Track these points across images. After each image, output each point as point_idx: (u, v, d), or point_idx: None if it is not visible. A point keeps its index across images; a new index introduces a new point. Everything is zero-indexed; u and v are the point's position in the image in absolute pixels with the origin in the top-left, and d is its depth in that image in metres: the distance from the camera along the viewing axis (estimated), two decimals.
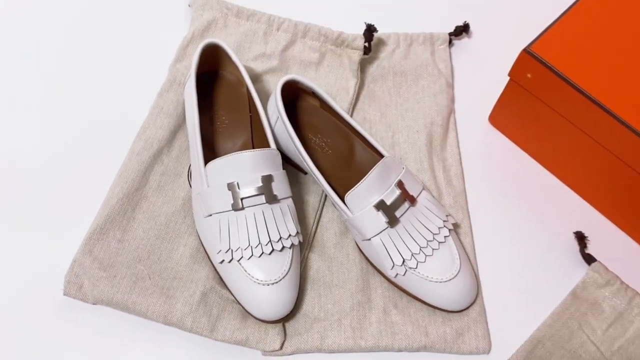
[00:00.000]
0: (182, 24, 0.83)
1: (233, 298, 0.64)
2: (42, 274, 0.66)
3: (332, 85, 0.79)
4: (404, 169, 0.65)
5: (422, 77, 0.80)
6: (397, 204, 0.62)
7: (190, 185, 0.69)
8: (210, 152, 0.70)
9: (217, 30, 0.81)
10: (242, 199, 0.60)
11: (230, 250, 0.60)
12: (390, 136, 0.76)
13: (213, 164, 0.62)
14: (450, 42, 0.83)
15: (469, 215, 0.72)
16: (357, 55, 0.79)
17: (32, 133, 0.74)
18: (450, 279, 0.62)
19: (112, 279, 0.63)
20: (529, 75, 0.67)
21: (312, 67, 0.80)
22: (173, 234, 0.67)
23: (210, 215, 0.62)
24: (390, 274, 0.63)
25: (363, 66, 0.81)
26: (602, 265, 0.67)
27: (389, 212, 0.62)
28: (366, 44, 0.78)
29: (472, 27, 0.86)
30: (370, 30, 0.78)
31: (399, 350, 0.64)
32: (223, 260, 0.61)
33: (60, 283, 0.63)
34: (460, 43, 0.86)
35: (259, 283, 0.59)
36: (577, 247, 0.70)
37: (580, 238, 0.70)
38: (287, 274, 0.60)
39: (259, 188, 0.61)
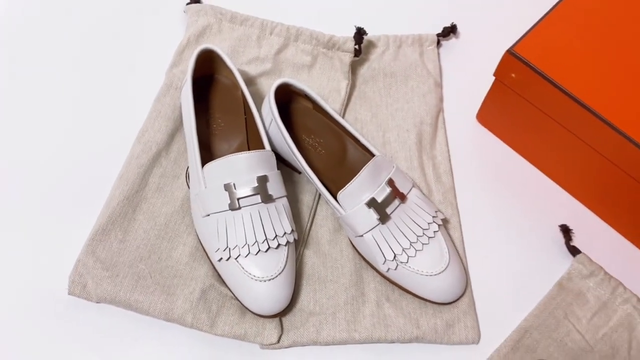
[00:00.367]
0: (178, 30, 0.84)
1: (231, 294, 0.65)
2: (45, 274, 0.67)
3: (324, 87, 0.80)
4: (394, 167, 0.67)
5: (412, 77, 0.82)
6: (387, 201, 0.64)
7: (189, 187, 0.70)
8: (207, 154, 0.71)
9: (211, 35, 0.82)
10: (238, 199, 0.62)
11: (228, 249, 0.61)
12: (381, 135, 0.78)
13: (210, 165, 0.63)
14: (438, 43, 0.84)
15: (458, 211, 0.73)
16: (348, 57, 0.80)
17: (34, 135, 0.75)
18: (440, 272, 0.63)
19: (115, 278, 0.64)
20: (513, 75, 0.69)
21: (304, 69, 0.81)
22: (172, 234, 0.68)
23: (208, 215, 0.63)
24: (382, 268, 0.64)
25: (354, 68, 0.82)
26: (586, 256, 0.69)
27: (380, 209, 0.63)
28: (357, 47, 0.79)
29: (459, 28, 0.87)
30: (360, 33, 0.79)
31: (392, 342, 0.65)
32: (221, 258, 0.62)
33: (64, 283, 0.64)
34: (448, 44, 0.87)
35: (256, 279, 0.61)
36: (562, 240, 0.72)
37: (565, 231, 0.72)
38: (283, 270, 0.62)
39: (255, 188, 0.62)
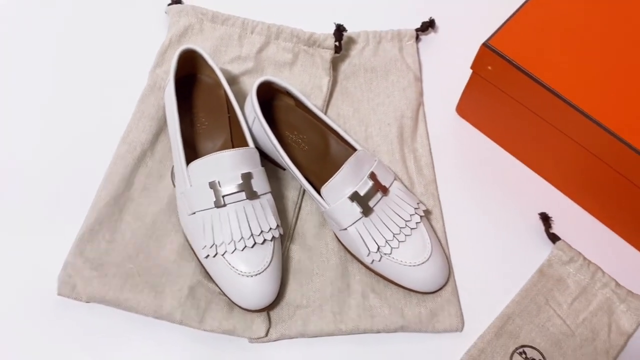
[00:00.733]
0: (160, 31, 0.84)
1: (219, 290, 0.65)
2: (34, 275, 0.67)
3: (306, 83, 0.81)
4: (376, 161, 0.68)
5: (392, 72, 0.83)
6: (370, 194, 0.65)
7: (174, 185, 0.71)
8: (192, 152, 0.71)
9: (193, 35, 0.82)
10: (223, 196, 0.62)
11: (214, 245, 0.62)
12: (363, 130, 0.79)
13: (195, 164, 0.64)
14: (417, 37, 0.85)
15: (439, 202, 0.74)
16: (329, 54, 0.81)
17: (16, 136, 0.75)
18: (422, 263, 0.64)
19: (104, 277, 0.65)
20: (489, 68, 0.70)
21: (286, 67, 0.82)
22: (160, 233, 0.69)
23: (194, 213, 0.64)
24: (367, 260, 0.65)
25: (335, 64, 0.83)
26: (566, 243, 0.70)
27: (363, 202, 0.64)
28: (337, 43, 0.80)
29: (437, 23, 0.88)
30: (340, 30, 0.80)
31: (378, 332, 0.66)
32: (208, 255, 0.63)
33: (53, 283, 0.65)
34: (427, 38, 0.88)
35: (243, 275, 0.61)
36: (542, 227, 0.73)
37: (545, 219, 0.73)
38: (269, 265, 0.62)
39: (240, 185, 0.63)
